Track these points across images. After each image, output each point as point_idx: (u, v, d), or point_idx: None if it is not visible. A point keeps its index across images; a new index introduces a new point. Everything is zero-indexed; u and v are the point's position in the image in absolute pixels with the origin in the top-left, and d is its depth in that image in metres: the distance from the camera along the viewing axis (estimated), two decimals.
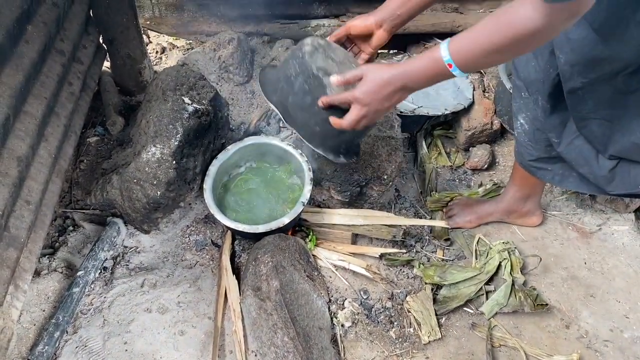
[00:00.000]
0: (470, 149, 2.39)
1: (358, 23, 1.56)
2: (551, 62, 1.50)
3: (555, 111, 1.59)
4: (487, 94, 2.43)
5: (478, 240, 2.01)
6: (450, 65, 1.23)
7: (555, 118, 1.60)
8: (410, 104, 2.24)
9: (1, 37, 1.51)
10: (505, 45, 1.13)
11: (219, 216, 1.83)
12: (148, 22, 2.66)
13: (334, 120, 1.49)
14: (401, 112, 2.22)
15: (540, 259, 1.99)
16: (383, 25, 1.53)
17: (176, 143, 1.84)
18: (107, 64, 2.49)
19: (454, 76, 1.27)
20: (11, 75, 1.56)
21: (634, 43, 1.24)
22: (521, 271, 1.93)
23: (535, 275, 1.98)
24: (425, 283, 1.89)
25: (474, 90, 2.39)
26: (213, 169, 1.95)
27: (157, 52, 2.83)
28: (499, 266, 1.93)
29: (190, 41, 2.83)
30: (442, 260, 1.97)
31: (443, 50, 1.23)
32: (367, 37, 1.57)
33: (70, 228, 2.01)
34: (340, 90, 1.47)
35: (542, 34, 1.08)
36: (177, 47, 2.86)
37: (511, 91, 2.08)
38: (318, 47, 1.53)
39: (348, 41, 1.63)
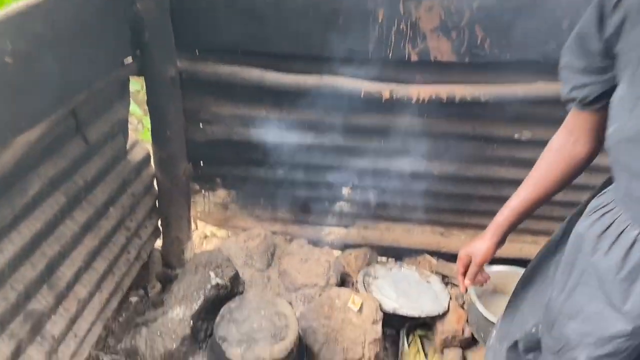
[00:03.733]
0: (444, 350, 2.73)
1: (484, 260, 1.60)
2: None
3: None
4: (464, 305, 2.85)
5: None
6: None
7: None
8: (393, 303, 2.69)
9: (92, 213, 2.16)
10: None
11: None
12: (199, 214, 3.34)
13: None
14: (384, 310, 2.65)
15: None
16: (504, 242, 1.62)
17: (197, 307, 2.34)
18: (158, 241, 3.12)
19: None
20: (90, 239, 2.17)
21: None
22: None
23: None
24: None
25: (450, 299, 2.82)
26: None
27: (200, 237, 3.48)
28: None
29: (229, 233, 3.48)
30: None
31: None
32: None
33: None
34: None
35: None
36: (217, 236, 3.51)
37: (476, 305, 2.52)
38: (225, 315, 2.20)
39: None
